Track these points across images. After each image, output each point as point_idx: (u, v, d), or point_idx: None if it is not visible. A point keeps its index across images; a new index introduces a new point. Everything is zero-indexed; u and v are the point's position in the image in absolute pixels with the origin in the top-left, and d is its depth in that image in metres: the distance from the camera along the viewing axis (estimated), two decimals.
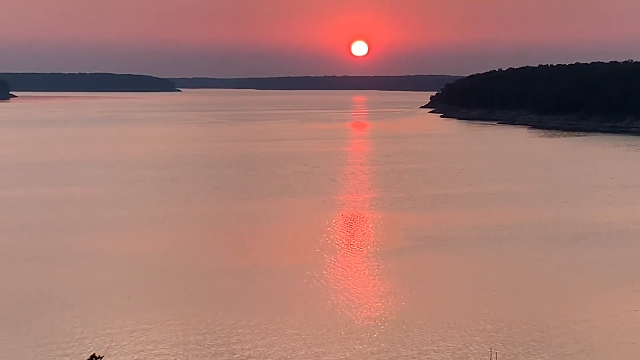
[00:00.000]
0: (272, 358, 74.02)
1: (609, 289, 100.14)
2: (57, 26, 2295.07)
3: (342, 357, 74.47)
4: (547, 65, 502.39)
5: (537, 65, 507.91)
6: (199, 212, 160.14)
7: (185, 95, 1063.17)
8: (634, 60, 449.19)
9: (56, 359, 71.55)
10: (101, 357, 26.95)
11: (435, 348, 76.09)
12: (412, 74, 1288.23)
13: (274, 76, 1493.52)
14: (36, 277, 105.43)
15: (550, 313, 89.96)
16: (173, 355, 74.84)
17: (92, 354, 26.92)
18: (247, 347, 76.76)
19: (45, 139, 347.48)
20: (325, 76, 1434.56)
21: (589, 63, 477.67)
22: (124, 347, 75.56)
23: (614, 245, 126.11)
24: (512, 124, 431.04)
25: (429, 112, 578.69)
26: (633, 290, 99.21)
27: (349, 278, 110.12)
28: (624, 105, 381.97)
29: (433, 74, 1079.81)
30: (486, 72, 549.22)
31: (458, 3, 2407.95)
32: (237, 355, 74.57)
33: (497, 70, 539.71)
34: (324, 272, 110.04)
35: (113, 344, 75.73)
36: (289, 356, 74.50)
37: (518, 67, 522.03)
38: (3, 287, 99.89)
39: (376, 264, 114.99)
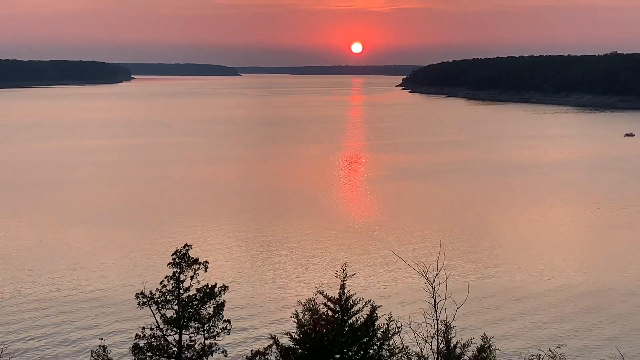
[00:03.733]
0: (298, 241, 74.77)
1: (523, 202, 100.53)
2: (161, 31, 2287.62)
3: (337, 244, 75.23)
4: (479, 58, 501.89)
5: (472, 58, 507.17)
6: (254, 152, 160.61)
7: (244, 78, 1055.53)
8: (535, 55, 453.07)
9: (160, 249, 71.84)
10: (191, 246, 26.79)
11: (400, 241, 76.61)
12: (390, 64, 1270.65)
13: (301, 65, 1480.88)
14: (148, 195, 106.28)
15: (485, 218, 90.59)
16: (237, 244, 75.60)
17: (184, 243, 26.65)
18: (281, 237, 77.80)
19: (154, 105, 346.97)
20: (334, 65, 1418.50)
21: (505, 57, 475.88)
22: (207, 240, 76.22)
23: (526, 174, 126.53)
24: (455, 96, 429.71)
25: (401, 89, 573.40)
26: (537, 203, 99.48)
27: (349, 195, 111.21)
28: (528, 84, 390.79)
29: (404, 64, 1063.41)
30: (439, 63, 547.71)
31: (420, 19, 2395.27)
32: (273, 240, 75.35)
33: (445, 61, 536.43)
34: (333, 190, 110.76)
35: (200, 238, 76.34)
36: (306, 238, 75.51)
37: (459, 59, 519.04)
38: (128, 202, 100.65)
39: (367, 186, 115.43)
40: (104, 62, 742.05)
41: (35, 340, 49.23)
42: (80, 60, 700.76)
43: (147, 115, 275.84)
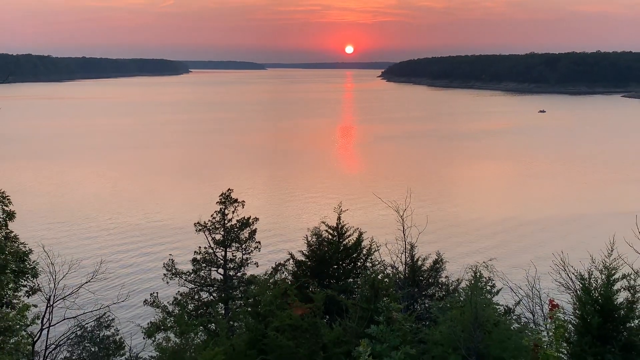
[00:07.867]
0: (307, 186, 74.52)
1: (469, 159, 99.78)
2: (210, 37, 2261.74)
3: (335, 188, 74.91)
4: (436, 57, 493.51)
5: (431, 57, 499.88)
6: (274, 124, 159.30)
7: (269, 71, 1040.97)
8: (476, 54, 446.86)
9: (211, 191, 70.35)
10: (232, 189, 26.50)
11: (380, 186, 76.19)
12: (373, 61, 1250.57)
13: (310, 62, 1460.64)
14: (202, 154, 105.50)
15: (441, 170, 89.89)
16: (265, 188, 75.45)
17: (228, 188, 26.48)
18: (295, 183, 77.48)
19: (207, 90, 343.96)
20: (333, 62, 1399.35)
21: (455, 55, 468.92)
22: (244, 185, 76.03)
23: (471, 139, 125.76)
24: (419, 84, 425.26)
25: (381, 79, 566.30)
26: (479, 159, 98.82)
27: (343, 154, 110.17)
28: (470, 75, 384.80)
29: (383, 61, 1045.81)
30: (407, 60, 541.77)
31: (395, 29, 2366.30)
32: (289, 185, 75.06)
33: (412, 59, 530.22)
34: (333, 150, 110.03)
35: (239, 184, 75.98)
36: (312, 184, 75.06)
37: (422, 57, 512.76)
38: (187, 159, 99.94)
39: (356, 147, 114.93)
40: (169, 60, 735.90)
41: (124, 254, 49.76)
42: (152, 59, 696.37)
43: (203, 97, 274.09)
